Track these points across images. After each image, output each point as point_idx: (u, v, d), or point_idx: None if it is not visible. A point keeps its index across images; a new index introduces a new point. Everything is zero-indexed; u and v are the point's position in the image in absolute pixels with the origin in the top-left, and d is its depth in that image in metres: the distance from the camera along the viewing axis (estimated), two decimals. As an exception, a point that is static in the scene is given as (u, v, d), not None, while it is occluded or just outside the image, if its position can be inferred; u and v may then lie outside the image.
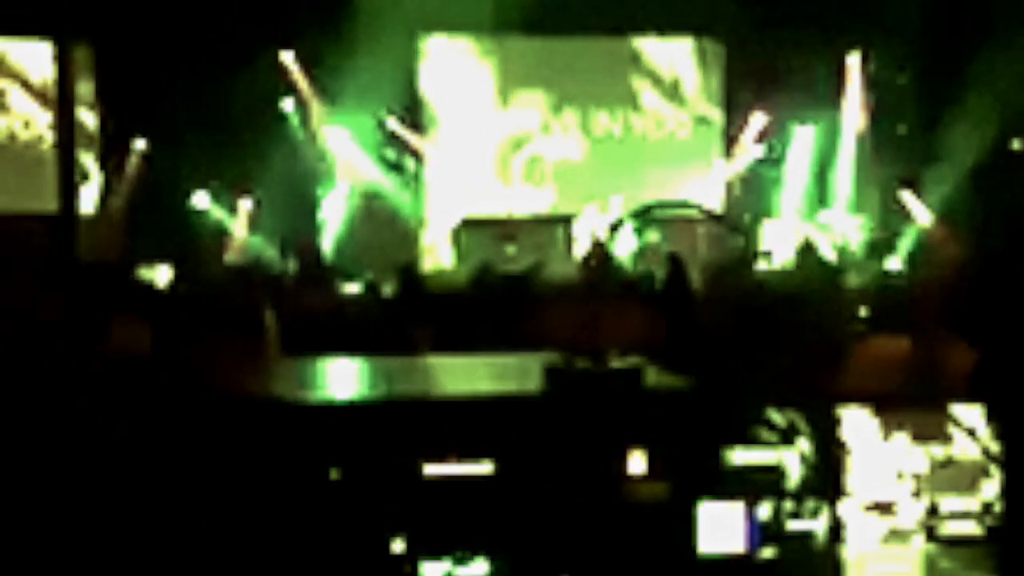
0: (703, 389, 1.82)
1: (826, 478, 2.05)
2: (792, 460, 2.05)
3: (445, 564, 1.66)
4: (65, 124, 9.07)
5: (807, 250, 7.68)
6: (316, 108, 12.30)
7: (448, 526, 1.66)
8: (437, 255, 11.91)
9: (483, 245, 11.52)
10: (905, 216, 12.45)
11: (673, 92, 13.17)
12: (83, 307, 4.38)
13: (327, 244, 11.87)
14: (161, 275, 9.47)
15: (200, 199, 12.03)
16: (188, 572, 1.59)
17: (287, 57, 12.26)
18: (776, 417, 2.03)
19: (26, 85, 11.73)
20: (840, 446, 2.06)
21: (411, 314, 6.28)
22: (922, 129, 12.73)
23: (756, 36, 12.48)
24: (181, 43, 11.16)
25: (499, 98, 12.85)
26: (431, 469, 1.66)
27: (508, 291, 6.59)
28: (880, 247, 11.68)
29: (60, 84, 9.25)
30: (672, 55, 13.14)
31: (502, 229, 11.69)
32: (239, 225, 12.08)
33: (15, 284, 4.53)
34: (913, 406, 2.09)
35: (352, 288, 8.69)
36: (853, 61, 13.08)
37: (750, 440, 2.01)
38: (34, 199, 10.71)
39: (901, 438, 2.07)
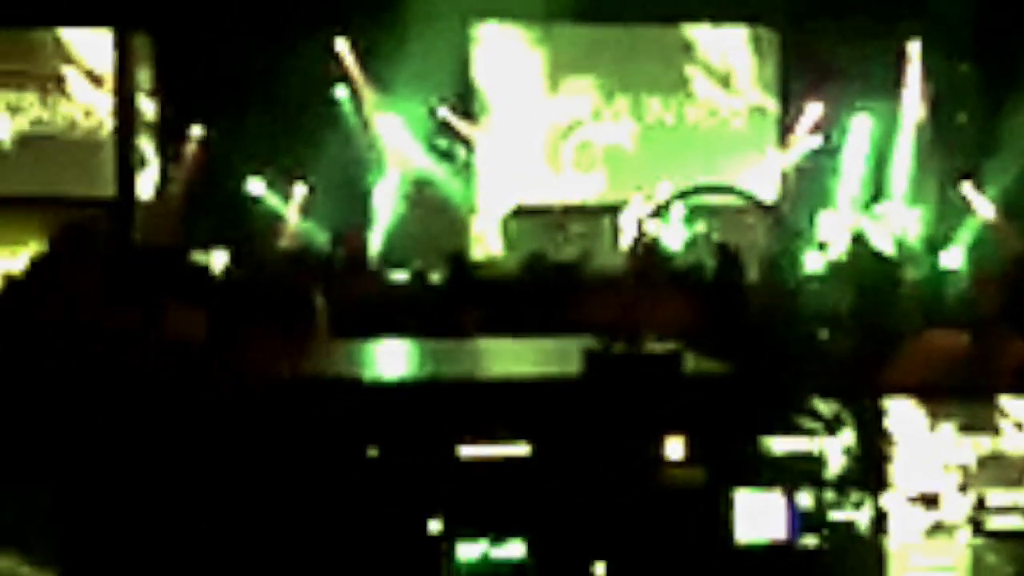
0: (744, 376, 1.80)
1: (870, 468, 2.02)
2: (836, 449, 2.03)
3: (481, 545, 1.66)
4: (124, 111, 9.23)
5: (859, 242, 7.56)
6: (368, 95, 12.37)
7: (484, 507, 1.67)
8: (487, 243, 11.93)
9: (533, 234, 11.52)
10: (965, 209, 12.19)
11: (727, 81, 13.03)
12: (140, 292, 4.47)
13: (377, 232, 11.95)
14: (217, 260, 9.61)
15: (255, 185, 12.18)
16: (226, 548, 1.61)
17: (341, 44, 12.34)
18: (821, 406, 2.00)
19: (87, 73, 11.97)
20: (885, 436, 2.03)
21: (459, 301, 6.31)
22: (983, 119, 12.45)
23: (812, 24, 12.29)
24: (237, 31, 11.30)
25: (550, 85, 12.81)
26: (468, 450, 1.66)
27: (557, 279, 6.60)
28: (938, 240, 11.45)
29: (119, 72, 9.43)
30: (726, 44, 13.00)
31: (552, 218, 11.69)
32: (292, 211, 12.21)
33: (75, 269, 4.64)
34: (961, 397, 2.06)
35: (400, 276, 8.75)
36: (913, 49, 12.81)
37: (794, 429, 1.98)
38: (94, 185, 10.95)
39: (948, 429, 2.04)
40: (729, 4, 12.46)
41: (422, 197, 12.24)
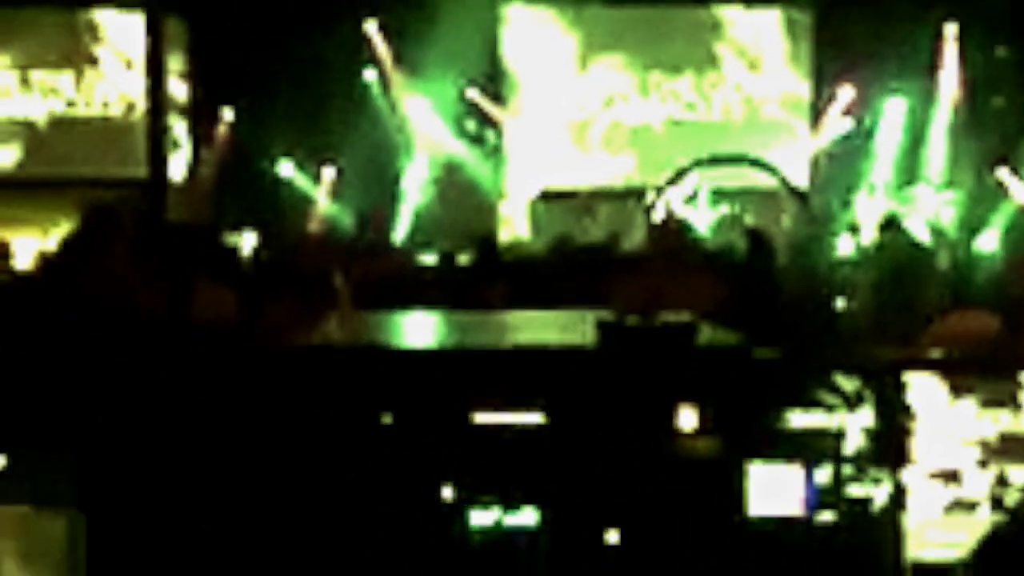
0: (759, 348, 1.80)
1: (889, 444, 2.01)
2: (855, 425, 2.01)
3: (494, 512, 1.67)
4: (156, 93, 9.29)
5: (890, 226, 7.48)
6: (397, 78, 12.38)
7: (497, 475, 1.67)
8: (514, 227, 11.92)
9: (560, 217, 11.50)
10: (1001, 193, 12.03)
11: (758, 63, 12.91)
12: (170, 270, 4.52)
13: (405, 214, 11.98)
14: (246, 241, 9.68)
15: (285, 167, 12.25)
16: (241, 512, 1.63)
17: (370, 27, 12.36)
18: (841, 381, 1.99)
19: (119, 55, 12.06)
20: (905, 411, 2.01)
21: (487, 282, 6.32)
22: (1020, 104, 12.26)
23: (845, 6, 12.14)
24: (268, 14, 11.34)
25: (579, 67, 12.75)
26: (481, 417, 1.67)
27: (584, 261, 6.59)
28: (972, 224, 11.31)
29: (151, 54, 9.48)
30: (758, 25, 12.87)
31: (580, 201, 11.65)
32: (322, 194, 12.27)
33: (106, 249, 4.69)
34: (982, 373, 2.03)
35: (428, 258, 8.77)
36: (949, 31, 12.63)
37: (814, 403, 1.97)
38: (126, 167, 11.05)
39: (969, 405, 2.02)
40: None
41: (451, 180, 12.25)
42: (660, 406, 1.69)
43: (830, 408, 2.03)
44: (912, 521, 2.01)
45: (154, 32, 10.24)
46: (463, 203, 11.96)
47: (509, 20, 12.66)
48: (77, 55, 12.03)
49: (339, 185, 12.18)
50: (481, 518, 1.67)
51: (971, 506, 2.01)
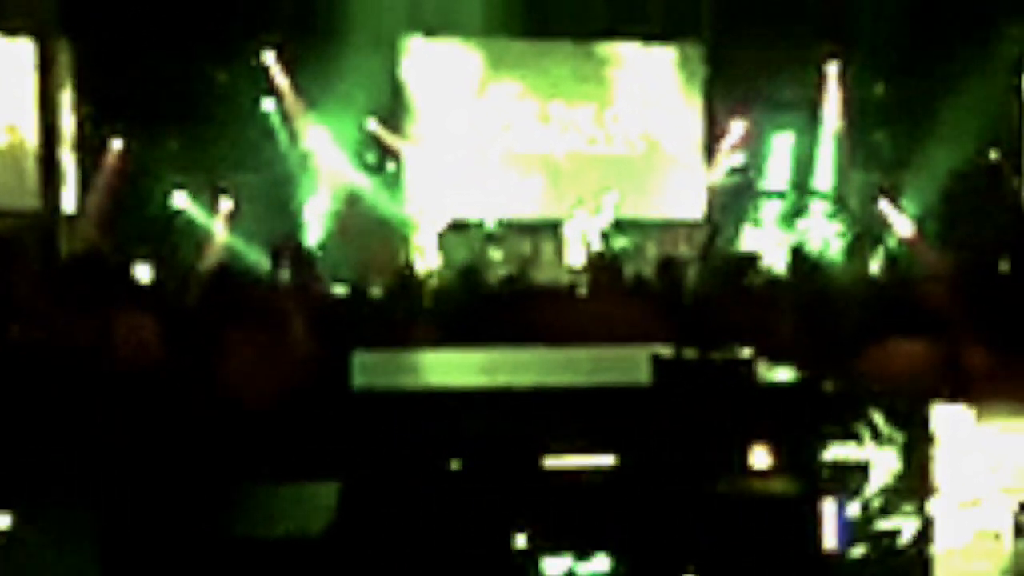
0: (814, 383, 1.79)
1: (917, 475, 2.02)
2: (882, 456, 2.02)
3: (566, 560, 1.61)
4: (47, 122, 8.89)
5: (800, 258, 7.71)
6: (296, 109, 12.18)
7: (569, 521, 1.61)
8: (424, 257, 11.82)
9: (464, 248, 11.47)
10: (883, 223, 12.58)
11: (654, 97, 13.20)
12: (84, 302, 4.27)
13: (310, 245, 11.74)
14: (141, 273, 9.31)
15: (179, 198, 11.87)
16: (311, 562, 1.53)
17: (268, 56, 12.13)
18: (870, 412, 2.00)
19: (6, 82, 11.48)
20: (931, 441, 2.04)
21: (408, 313, 6.23)
22: (898, 138, 12.89)
23: (735, 45, 12.57)
24: (161, 42, 11.01)
25: (480, 99, 12.80)
26: (552, 462, 1.61)
27: (509, 295, 6.56)
28: (858, 253, 11.78)
29: (41, 81, 9.08)
30: (653, 61, 13.19)
31: (487, 232, 11.65)
32: (219, 225, 11.93)
33: (10, 282, 4.41)
34: (1008, 400, 2.08)
35: (338, 290, 8.58)
36: (832, 69, 13.22)
37: (844, 436, 1.98)
38: (14, 198, 10.50)
39: (994, 433, 2.05)
40: (657, 23, 12.66)
41: (354, 211, 12.08)
42: (730, 444, 1.66)
43: (859, 440, 2.04)
44: (940, 549, 2.03)
45: (44, 59, 9.80)
46: (369, 234, 11.81)
47: (410, 51, 12.63)
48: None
49: (237, 217, 11.86)
50: (554, 566, 1.60)
51: (998, 534, 2.05)
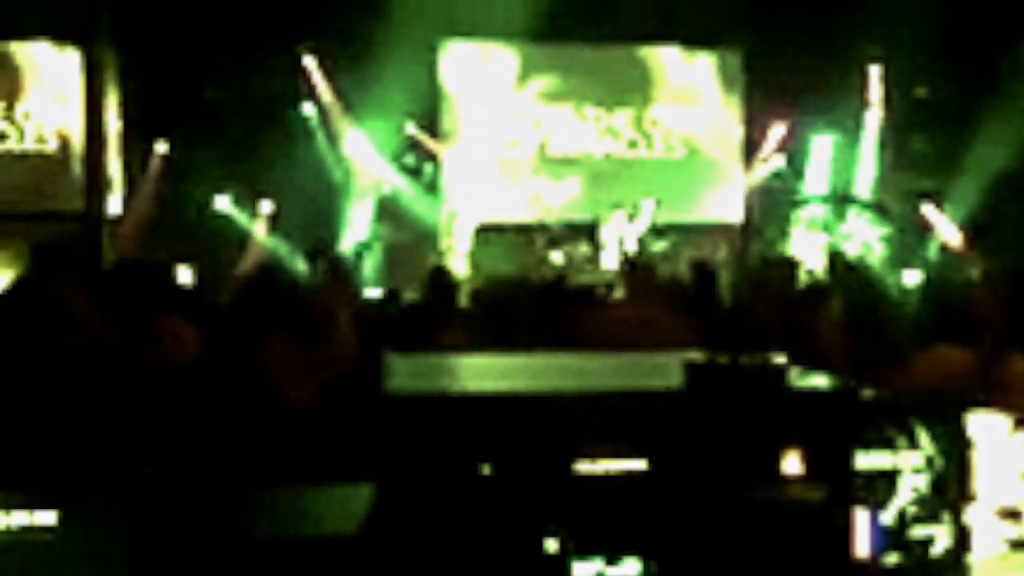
0: (849, 389, 1.78)
1: (953, 483, 2.01)
2: (918, 464, 2.01)
3: (597, 564, 1.61)
4: (93, 127, 9.05)
5: (839, 265, 7.64)
6: (336, 112, 12.28)
7: (600, 525, 1.62)
8: (459, 260, 11.87)
9: (504, 252, 11.50)
10: (925, 228, 12.43)
11: (693, 101, 13.15)
12: (129, 307, 4.34)
13: (346, 249, 11.83)
14: (182, 276, 9.44)
15: (220, 202, 12.02)
16: (342, 564, 1.55)
17: (308, 61, 12.25)
18: (905, 419, 1.99)
19: (53, 89, 11.70)
20: (968, 449, 2.02)
21: (442, 317, 6.25)
22: (940, 142, 12.73)
23: (774, 49, 12.49)
24: (203, 48, 11.17)
25: (518, 103, 12.83)
26: (583, 466, 1.61)
27: (553, 299, 6.56)
28: (903, 259, 11.65)
29: (88, 88, 9.25)
30: (692, 65, 13.13)
31: (525, 235, 11.67)
32: (259, 229, 12.06)
33: (61, 286, 4.49)
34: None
35: (373, 293, 8.64)
36: (874, 72, 13.08)
37: (879, 443, 1.97)
38: (60, 201, 10.70)
39: (1030, 442, 2.03)
40: (695, 27, 12.61)
41: (392, 215, 12.16)
42: (763, 451, 1.66)
43: (894, 448, 2.03)
44: (976, 559, 2.02)
45: (90, 66, 10.00)
46: (403, 238, 11.88)
47: (449, 55, 12.69)
48: (8, 89, 11.64)
49: (278, 220, 11.98)
50: (584, 570, 1.61)
51: (1034, 543, 2.02)
